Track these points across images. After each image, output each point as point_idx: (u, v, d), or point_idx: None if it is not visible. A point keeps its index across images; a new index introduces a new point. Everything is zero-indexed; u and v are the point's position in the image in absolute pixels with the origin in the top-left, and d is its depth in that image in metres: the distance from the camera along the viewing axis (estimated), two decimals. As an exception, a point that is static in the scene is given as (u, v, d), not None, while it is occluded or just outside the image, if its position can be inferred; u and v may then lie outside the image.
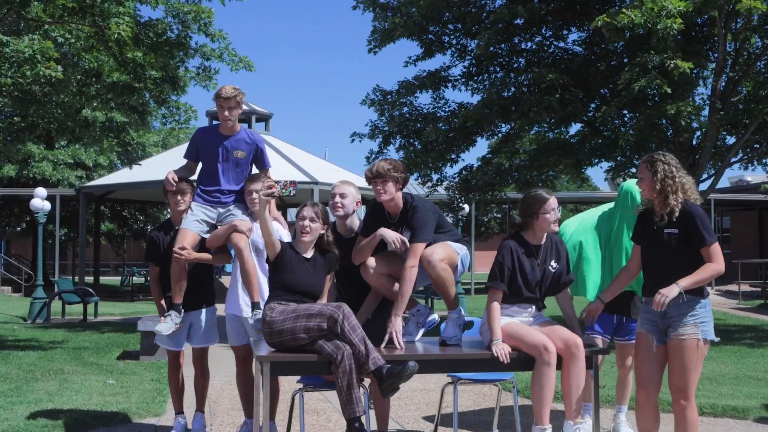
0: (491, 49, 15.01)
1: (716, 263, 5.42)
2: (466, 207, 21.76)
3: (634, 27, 12.19)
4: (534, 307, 6.04)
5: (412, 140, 16.56)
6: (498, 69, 16.18)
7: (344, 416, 5.39)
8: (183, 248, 6.52)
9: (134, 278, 35.46)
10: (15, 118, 14.19)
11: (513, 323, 5.92)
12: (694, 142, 15.46)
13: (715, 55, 14.49)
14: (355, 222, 6.42)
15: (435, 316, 6.42)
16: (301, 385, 6.42)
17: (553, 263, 6.05)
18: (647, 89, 12.44)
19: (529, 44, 16.08)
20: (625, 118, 15.09)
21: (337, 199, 6.27)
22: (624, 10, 12.21)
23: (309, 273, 5.85)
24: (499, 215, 47.46)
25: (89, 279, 31.13)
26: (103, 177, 30.87)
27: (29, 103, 12.61)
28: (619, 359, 7.10)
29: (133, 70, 12.59)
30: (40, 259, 20.85)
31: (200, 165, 7.04)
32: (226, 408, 8.65)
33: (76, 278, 31.09)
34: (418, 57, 16.92)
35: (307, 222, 5.90)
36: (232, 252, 6.72)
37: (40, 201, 20.07)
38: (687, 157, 15.32)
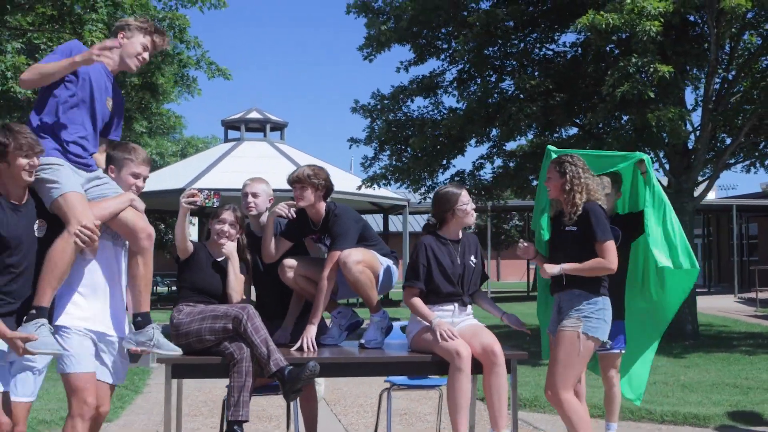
0: (472, 53, 14.84)
1: (606, 259, 5.50)
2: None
3: (613, 30, 11.99)
4: (456, 305, 5.88)
5: (402, 146, 16.42)
6: (491, 73, 15.97)
7: (225, 418, 5.27)
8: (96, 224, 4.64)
9: (158, 288, 35.41)
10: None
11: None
12: (690, 146, 15.16)
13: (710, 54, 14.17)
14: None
15: (358, 317, 6.30)
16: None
17: (473, 258, 5.96)
18: (629, 94, 12.14)
19: (515, 49, 15.83)
20: (613, 123, 14.83)
21: (250, 198, 6.21)
22: (602, 12, 11.99)
23: (219, 275, 5.75)
24: (520, 223, 47.20)
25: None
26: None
27: (12, 109, 12.70)
28: (603, 370, 6.66)
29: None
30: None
31: (60, 98, 4.86)
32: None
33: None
34: (410, 62, 16.82)
35: (227, 227, 5.81)
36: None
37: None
38: (682, 160, 15.04)
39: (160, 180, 28.10)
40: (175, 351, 5.09)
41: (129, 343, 4.94)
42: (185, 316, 5.49)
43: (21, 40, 12.60)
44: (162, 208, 32.60)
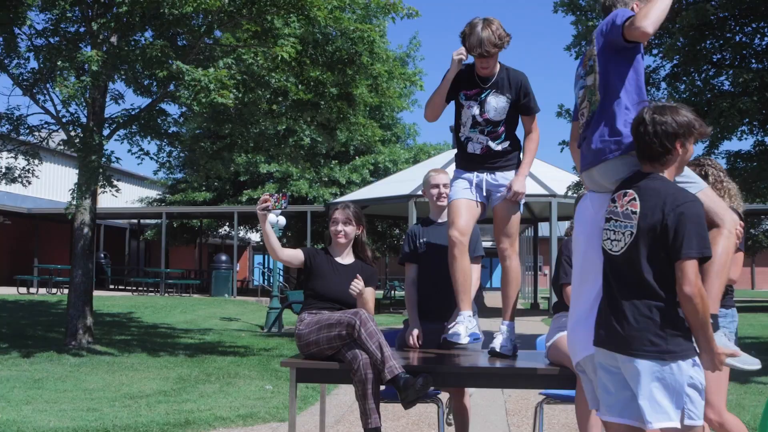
0: (685, 49, 13.90)
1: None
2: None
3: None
4: None
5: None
6: (709, 67, 14.92)
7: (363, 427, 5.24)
8: None
9: (395, 292, 36.30)
10: (220, 140, 15.19)
11: (564, 336, 5.45)
12: None
13: None
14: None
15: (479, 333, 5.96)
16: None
17: None
18: None
19: (731, 42, 14.64)
20: None
21: (442, 189, 6.10)
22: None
23: (343, 279, 5.69)
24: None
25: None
26: (354, 192, 32.11)
27: (223, 122, 13.47)
28: None
29: (314, 88, 13.08)
30: (275, 271, 22.13)
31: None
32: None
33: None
34: (621, 59, 16.01)
35: (340, 227, 5.83)
36: None
37: (273, 216, 21.00)
38: None
39: (391, 186, 28.79)
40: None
41: None
42: (305, 326, 5.50)
43: (232, 56, 13.34)
44: (394, 214, 33.44)
